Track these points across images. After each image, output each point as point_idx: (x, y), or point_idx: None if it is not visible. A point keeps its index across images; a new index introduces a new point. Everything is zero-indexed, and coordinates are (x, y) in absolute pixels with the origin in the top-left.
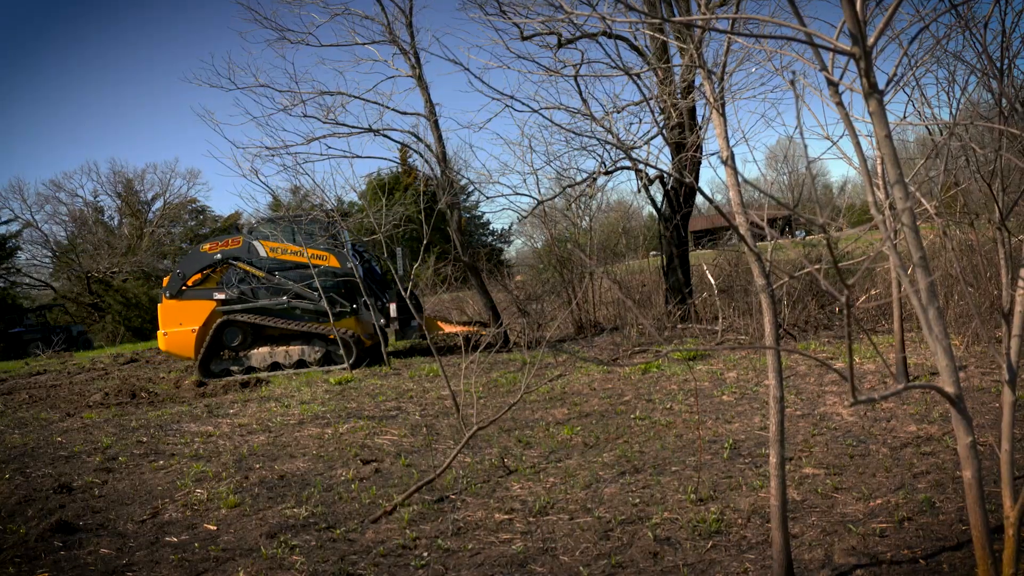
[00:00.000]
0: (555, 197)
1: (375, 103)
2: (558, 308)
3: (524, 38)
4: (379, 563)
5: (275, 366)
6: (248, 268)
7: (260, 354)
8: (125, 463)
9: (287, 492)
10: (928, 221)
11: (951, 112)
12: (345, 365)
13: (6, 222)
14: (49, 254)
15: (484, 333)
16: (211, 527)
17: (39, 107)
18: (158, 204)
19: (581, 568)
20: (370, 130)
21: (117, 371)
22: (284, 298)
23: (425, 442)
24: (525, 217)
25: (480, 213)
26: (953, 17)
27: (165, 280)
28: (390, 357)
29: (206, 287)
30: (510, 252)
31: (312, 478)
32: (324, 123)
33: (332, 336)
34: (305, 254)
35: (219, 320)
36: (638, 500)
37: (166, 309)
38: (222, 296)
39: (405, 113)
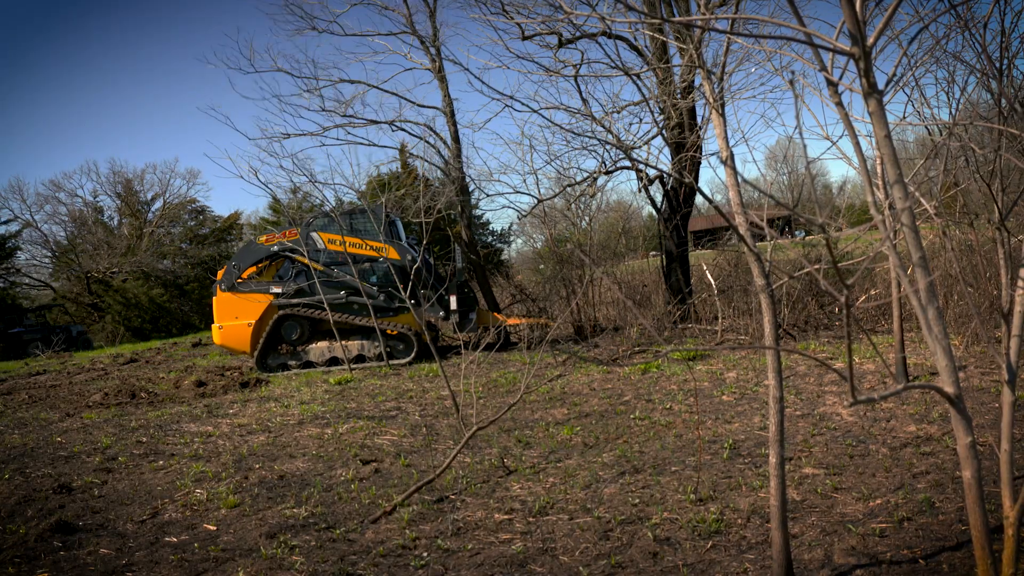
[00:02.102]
0: (555, 196)
1: (393, 93)
2: (558, 308)
3: (525, 37)
4: (379, 563)
5: (333, 361)
6: (305, 261)
7: (319, 349)
8: (125, 463)
9: (287, 492)
10: (928, 221)
11: (951, 112)
12: (405, 360)
13: (6, 222)
14: (49, 254)
15: (552, 324)
16: (211, 527)
17: (39, 107)
18: (158, 204)
19: (581, 568)
20: (389, 122)
21: (117, 371)
22: (343, 293)
23: (425, 442)
24: (525, 215)
25: (480, 213)
26: (952, 17)
27: (219, 273)
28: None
29: (262, 280)
30: (510, 252)
31: (312, 478)
32: (343, 116)
33: (392, 332)
34: (363, 246)
35: (278, 314)
36: (638, 500)
37: (221, 303)
38: (279, 290)
39: (423, 106)
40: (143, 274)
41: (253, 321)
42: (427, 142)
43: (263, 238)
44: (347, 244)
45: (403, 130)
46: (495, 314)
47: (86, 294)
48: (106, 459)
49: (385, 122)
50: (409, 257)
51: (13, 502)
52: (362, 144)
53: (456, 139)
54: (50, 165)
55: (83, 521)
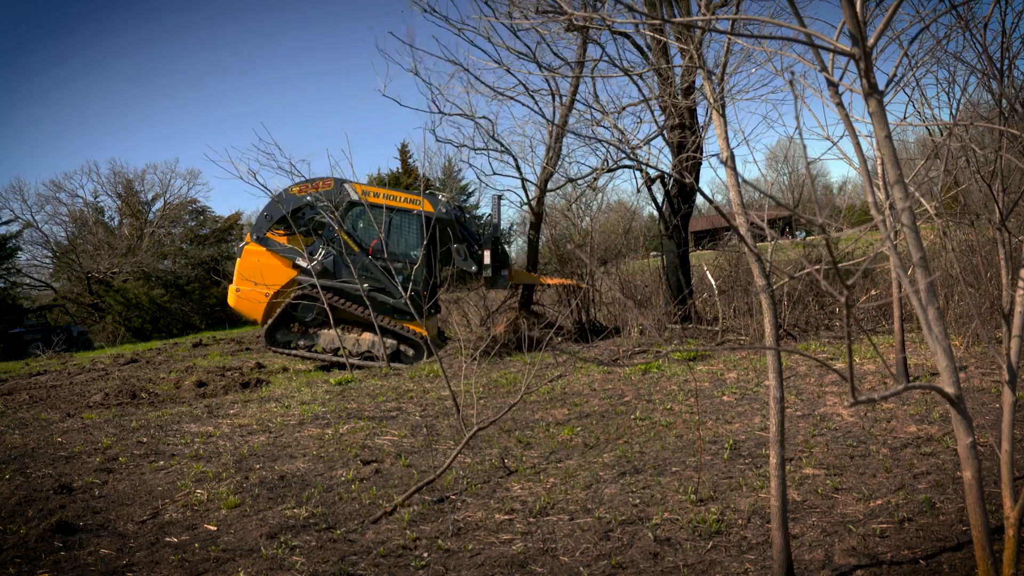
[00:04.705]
0: (559, 187)
1: (542, 38)
2: (559, 308)
3: (538, 11)
4: (379, 563)
5: (339, 351)
6: (344, 237)
7: (329, 335)
8: (125, 463)
9: (287, 492)
10: (928, 222)
11: (951, 113)
12: (416, 365)
13: (6, 222)
14: (49, 254)
15: (583, 286)
16: (211, 527)
17: (39, 107)
18: (158, 204)
19: (581, 568)
20: (530, 56)
21: (117, 371)
22: (366, 285)
23: (425, 442)
24: (526, 205)
25: (481, 214)
26: (953, 18)
27: (248, 236)
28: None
29: (291, 247)
30: (510, 252)
31: (312, 478)
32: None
33: (406, 335)
34: (399, 199)
35: (295, 293)
36: (638, 500)
37: (245, 262)
38: (305, 265)
39: (559, 56)
40: (144, 274)
41: (271, 293)
42: (555, 95)
43: (295, 187)
44: (381, 195)
45: (541, 66)
46: (531, 274)
47: (87, 294)
48: (107, 459)
49: (529, 57)
50: (443, 210)
51: (14, 502)
52: (487, 64)
53: (574, 93)
54: (50, 165)
55: (84, 521)
